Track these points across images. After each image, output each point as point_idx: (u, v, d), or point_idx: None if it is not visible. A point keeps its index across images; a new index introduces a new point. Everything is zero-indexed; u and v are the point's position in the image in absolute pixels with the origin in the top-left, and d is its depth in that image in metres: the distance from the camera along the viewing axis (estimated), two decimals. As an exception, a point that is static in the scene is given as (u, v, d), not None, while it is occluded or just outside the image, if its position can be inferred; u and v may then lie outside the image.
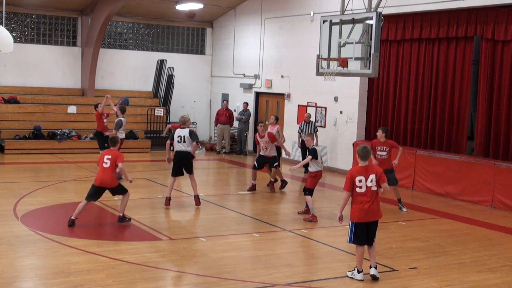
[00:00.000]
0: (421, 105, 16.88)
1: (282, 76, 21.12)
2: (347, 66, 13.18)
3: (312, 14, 19.52)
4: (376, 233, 8.60)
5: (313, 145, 12.28)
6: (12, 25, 22.04)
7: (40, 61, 22.43)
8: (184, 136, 12.59)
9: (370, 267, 8.60)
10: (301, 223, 11.89)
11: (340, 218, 8.66)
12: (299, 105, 20.31)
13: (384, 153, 13.31)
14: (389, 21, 16.92)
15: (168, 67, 23.50)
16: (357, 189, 8.31)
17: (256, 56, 22.35)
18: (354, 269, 8.59)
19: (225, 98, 23.64)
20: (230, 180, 17.55)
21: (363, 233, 8.45)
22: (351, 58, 13.12)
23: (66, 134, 20.94)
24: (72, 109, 21.65)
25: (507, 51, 14.74)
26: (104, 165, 10.75)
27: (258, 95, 22.67)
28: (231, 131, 22.64)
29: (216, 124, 22.68)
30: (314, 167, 11.99)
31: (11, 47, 16.08)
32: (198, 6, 21.58)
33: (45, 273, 8.34)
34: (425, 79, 16.76)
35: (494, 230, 12.04)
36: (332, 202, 14.08)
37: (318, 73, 14.09)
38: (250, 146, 22.63)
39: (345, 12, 13.81)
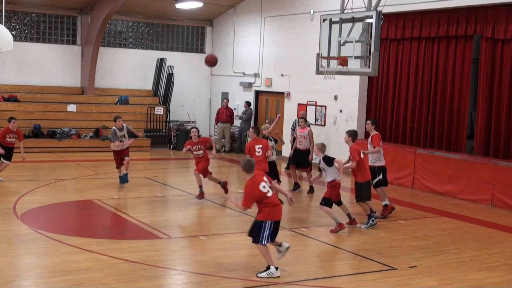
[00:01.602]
0: (421, 104, 16.88)
1: (282, 75, 21.12)
2: (347, 65, 13.17)
3: (312, 12, 19.51)
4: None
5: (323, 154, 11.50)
6: (12, 24, 22.03)
7: (40, 59, 22.42)
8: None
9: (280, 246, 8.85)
10: (301, 222, 11.89)
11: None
12: (299, 104, 20.31)
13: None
14: (389, 19, 16.92)
15: (168, 66, 23.50)
16: (267, 194, 8.48)
17: (256, 55, 22.35)
18: (269, 268, 8.46)
19: (225, 96, 23.64)
20: (230, 178, 17.53)
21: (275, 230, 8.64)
22: (351, 56, 13.11)
23: (66, 132, 20.95)
24: (72, 107, 21.65)
25: (507, 49, 14.73)
26: None
27: (258, 93, 22.67)
28: (231, 130, 22.64)
29: (216, 123, 22.68)
30: (330, 176, 11.28)
31: (11, 45, 16.07)
32: (198, 4, 21.59)
33: (45, 272, 8.34)
34: (425, 77, 16.76)
35: (493, 229, 12.05)
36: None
37: (318, 72, 14.08)
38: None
39: (345, 11, 13.80)
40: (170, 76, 23.43)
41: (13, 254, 9.10)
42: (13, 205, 12.13)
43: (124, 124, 14.66)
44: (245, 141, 22.41)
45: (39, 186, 14.34)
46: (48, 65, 22.60)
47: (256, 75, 22.39)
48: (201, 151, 13.45)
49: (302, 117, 15.73)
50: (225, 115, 22.28)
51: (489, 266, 9.43)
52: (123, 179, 14.61)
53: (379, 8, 12.90)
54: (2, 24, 16.98)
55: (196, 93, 24.97)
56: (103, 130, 21.27)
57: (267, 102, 22.34)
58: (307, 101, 19.88)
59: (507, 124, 14.79)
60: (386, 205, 12.44)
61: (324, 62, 13.75)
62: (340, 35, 13.38)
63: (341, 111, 18.67)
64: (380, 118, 17.99)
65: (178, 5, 21.71)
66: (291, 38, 20.68)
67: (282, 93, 21.15)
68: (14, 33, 21.57)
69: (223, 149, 22.48)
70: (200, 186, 13.29)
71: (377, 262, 9.34)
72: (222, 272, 8.59)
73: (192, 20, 24.64)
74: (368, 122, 13.06)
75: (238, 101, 22.99)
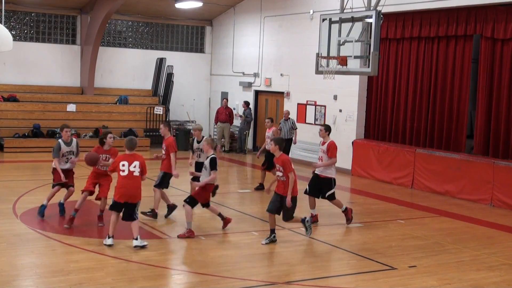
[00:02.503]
0: (420, 104, 16.88)
1: (281, 75, 21.12)
2: (346, 65, 13.17)
3: (311, 12, 19.51)
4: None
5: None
6: (12, 23, 22.02)
7: (40, 59, 22.41)
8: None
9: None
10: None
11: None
12: (298, 104, 20.31)
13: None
14: (388, 19, 16.92)
15: (168, 66, 23.49)
16: (121, 173, 9.48)
17: (255, 55, 22.35)
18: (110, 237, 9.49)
19: (224, 96, 23.64)
20: (230, 178, 17.53)
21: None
22: (351, 56, 13.11)
23: (65, 132, 20.92)
24: (71, 107, 21.63)
25: (507, 49, 14.73)
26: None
27: (257, 93, 22.67)
28: (230, 130, 22.63)
29: (216, 122, 22.67)
30: (206, 177, 10.50)
31: (10, 45, 16.03)
32: (198, 4, 21.58)
33: (44, 272, 8.34)
34: (424, 77, 16.76)
35: (493, 229, 12.05)
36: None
37: (318, 72, 14.08)
38: (250, 144, 22.64)
39: (345, 11, 13.81)
40: (169, 75, 23.43)
41: (12, 254, 9.09)
42: (12, 205, 12.12)
43: (74, 138, 11.48)
44: (245, 140, 22.43)
45: (38, 186, 14.33)
46: (47, 64, 22.59)
47: (255, 75, 22.38)
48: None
49: (268, 118, 15.57)
50: (224, 114, 22.27)
51: (489, 266, 9.43)
52: (60, 209, 11.56)
53: (378, 8, 12.91)
54: (1, 23, 16.96)
55: (196, 92, 24.97)
56: (102, 129, 21.24)
57: (267, 102, 22.33)
58: (307, 101, 19.88)
59: (507, 124, 14.79)
60: (346, 209, 11.70)
61: (323, 62, 13.75)
62: (339, 35, 13.38)
63: (340, 110, 18.67)
64: (379, 118, 18.00)
65: (178, 5, 21.70)
66: (290, 37, 20.67)
67: (282, 93, 21.15)
68: (14, 32, 21.57)
69: (223, 149, 22.47)
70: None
71: (376, 262, 9.34)
72: (221, 272, 8.59)
73: (191, 19, 24.64)
74: (322, 128, 11.65)
75: (238, 101, 22.99)
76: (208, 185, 10.52)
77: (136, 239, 9.52)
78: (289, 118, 18.28)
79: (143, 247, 9.46)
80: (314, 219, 11.60)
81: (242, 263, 9.10)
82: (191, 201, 10.44)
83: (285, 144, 18.04)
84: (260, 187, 15.02)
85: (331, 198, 11.59)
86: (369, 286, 8.33)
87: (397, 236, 11.04)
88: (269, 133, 14.99)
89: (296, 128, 18.06)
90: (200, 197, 10.49)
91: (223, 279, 8.30)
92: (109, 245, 9.46)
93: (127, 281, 8.05)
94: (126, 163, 9.50)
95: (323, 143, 11.47)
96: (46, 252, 9.20)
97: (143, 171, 9.58)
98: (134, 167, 9.49)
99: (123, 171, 9.49)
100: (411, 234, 11.25)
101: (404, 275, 8.82)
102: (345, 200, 14.25)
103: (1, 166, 17.77)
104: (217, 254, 9.50)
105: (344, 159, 18.37)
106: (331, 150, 11.30)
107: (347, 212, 11.71)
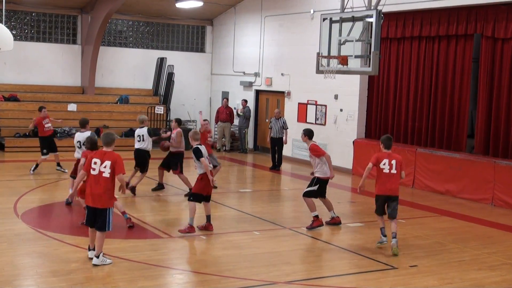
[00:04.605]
0: (421, 103, 16.87)
1: (282, 74, 21.11)
2: (347, 64, 13.16)
3: (312, 12, 19.50)
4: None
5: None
6: (12, 23, 22.03)
7: (40, 59, 22.42)
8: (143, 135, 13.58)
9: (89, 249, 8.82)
10: (302, 221, 11.88)
11: None
12: (299, 103, 20.30)
13: None
14: (389, 19, 16.91)
15: (168, 65, 23.49)
16: (91, 171, 8.58)
17: (256, 54, 22.35)
18: (99, 254, 8.59)
19: (225, 96, 23.64)
20: (231, 178, 17.53)
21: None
22: (351, 56, 13.09)
23: (66, 132, 20.96)
24: (72, 107, 21.63)
25: (507, 48, 14.73)
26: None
27: (258, 93, 22.67)
28: (231, 129, 22.64)
29: (216, 122, 22.67)
30: (201, 169, 10.52)
31: (11, 45, 16.05)
32: (198, 3, 21.57)
33: (45, 271, 8.34)
34: (425, 77, 16.75)
35: (494, 228, 12.05)
36: (332, 200, 14.04)
37: (318, 71, 14.06)
38: (250, 144, 22.64)
39: (345, 10, 13.79)
40: (170, 75, 23.43)
41: (13, 254, 9.10)
42: (13, 204, 12.13)
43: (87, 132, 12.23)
44: (245, 139, 22.43)
45: (39, 185, 14.34)
46: (48, 64, 22.59)
47: (256, 75, 22.38)
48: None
49: (175, 118, 14.77)
50: (224, 114, 22.28)
51: (490, 265, 9.42)
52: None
53: (379, 7, 12.89)
54: (2, 23, 16.96)
55: (197, 92, 24.97)
56: (103, 129, 21.25)
57: (268, 101, 22.33)
58: (308, 101, 19.88)
59: (507, 123, 14.78)
60: (317, 216, 11.17)
61: (324, 61, 13.73)
62: (340, 34, 13.37)
63: (341, 110, 18.67)
64: (380, 117, 17.99)
65: (179, 4, 21.69)
66: (291, 37, 20.67)
67: (283, 92, 21.15)
68: (15, 32, 21.56)
69: (224, 148, 22.48)
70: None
71: (377, 261, 9.34)
72: (222, 271, 8.60)
73: (192, 19, 24.63)
74: (302, 133, 11.52)
75: (238, 100, 22.99)
76: (203, 176, 10.46)
77: (98, 257, 8.55)
78: (280, 117, 18.31)
79: (105, 265, 8.57)
80: (332, 221, 11.48)
81: (243, 263, 9.10)
82: (195, 197, 10.46)
83: (275, 142, 18.19)
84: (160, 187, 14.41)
85: (306, 194, 11.17)
86: (370, 286, 8.33)
87: (398, 236, 11.00)
88: (173, 134, 14.01)
89: (287, 128, 18.12)
90: (200, 189, 10.46)
91: (224, 279, 8.30)
92: (90, 258, 8.66)
93: (128, 281, 8.06)
94: (98, 161, 8.57)
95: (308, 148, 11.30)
96: (47, 251, 9.20)
97: (114, 171, 8.56)
98: (105, 167, 8.53)
99: (94, 169, 8.56)
100: (411, 233, 11.25)
101: (405, 274, 8.82)
102: (346, 200, 14.26)
103: (2, 165, 17.78)
104: (218, 254, 9.51)
105: (345, 158, 18.39)
106: (317, 151, 11.07)
107: (316, 219, 11.12)
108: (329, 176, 11.19)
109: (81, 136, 12.02)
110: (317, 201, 11.39)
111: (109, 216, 8.64)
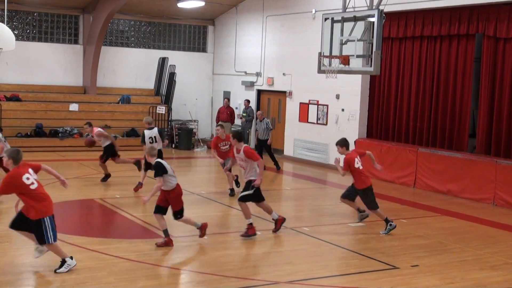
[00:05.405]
0: (423, 103, 16.87)
1: (283, 74, 21.11)
2: (348, 64, 13.16)
3: (313, 11, 19.50)
4: None
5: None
6: (14, 23, 22.05)
7: (42, 59, 22.44)
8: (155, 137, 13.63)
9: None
10: (303, 220, 11.88)
11: None
12: (300, 103, 20.30)
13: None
14: (390, 18, 16.90)
15: (170, 65, 23.50)
16: (31, 186, 8.21)
17: (257, 54, 22.34)
18: (65, 261, 8.21)
19: (226, 96, 23.64)
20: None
21: None
22: (353, 55, 13.10)
23: (68, 131, 20.98)
24: (74, 106, 21.67)
25: (509, 48, 14.72)
26: None
27: (259, 92, 22.67)
28: (232, 129, 22.62)
29: (217, 122, 22.67)
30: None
31: (13, 45, 16.07)
32: (200, 3, 21.59)
33: (46, 271, 8.34)
34: (427, 76, 16.75)
35: (496, 228, 12.03)
36: (333, 200, 14.06)
37: (320, 71, 14.07)
38: (251, 144, 22.63)
39: (347, 10, 13.79)
40: (172, 75, 23.44)
41: (14, 254, 9.10)
42: (15, 204, 12.13)
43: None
44: (248, 140, 22.42)
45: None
46: (50, 64, 22.61)
47: (258, 74, 22.38)
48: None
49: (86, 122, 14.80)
50: (225, 114, 22.29)
51: (492, 265, 9.41)
52: None
53: (381, 7, 12.89)
54: (4, 23, 16.99)
55: (198, 92, 24.97)
56: (105, 129, 21.26)
57: (269, 101, 22.33)
58: (309, 100, 19.88)
59: (509, 123, 14.77)
60: (251, 224, 10.57)
61: (326, 61, 13.74)
62: (342, 34, 13.37)
63: (343, 110, 18.66)
64: (382, 117, 17.99)
65: (180, 4, 21.71)
66: (293, 37, 20.67)
67: (284, 92, 21.15)
68: (16, 32, 21.59)
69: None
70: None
71: (379, 261, 9.33)
72: (224, 271, 8.59)
73: (194, 19, 24.64)
74: (230, 136, 11.29)
75: (240, 100, 22.99)
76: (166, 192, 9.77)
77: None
78: (264, 118, 18.33)
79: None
80: (278, 223, 10.85)
81: (244, 263, 9.10)
82: (157, 209, 9.84)
83: (262, 144, 18.19)
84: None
85: (241, 199, 10.58)
86: (371, 286, 8.32)
87: (399, 235, 11.03)
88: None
89: (271, 129, 18.17)
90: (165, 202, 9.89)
91: (226, 279, 8.30)
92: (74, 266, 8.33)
93: (129, 281, 8.06)
94: (27, 175, 8.15)
95: (238, 151, 10.75)
96: (48, 251, 9.19)
97: (37, 171, 8.38)
98: (35, 173, 8.31)
99: (32, 183, 8.17)
100: (413, 233, 11.24)
101: (406, 274, 8.81)
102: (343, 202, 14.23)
103: (4, 165, 17.76)
104: (219, 254, 9.50)
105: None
106: (252, 155, 10.61)
107: (251, 227, 10.49)
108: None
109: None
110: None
111: (46, 227, 8.13)
